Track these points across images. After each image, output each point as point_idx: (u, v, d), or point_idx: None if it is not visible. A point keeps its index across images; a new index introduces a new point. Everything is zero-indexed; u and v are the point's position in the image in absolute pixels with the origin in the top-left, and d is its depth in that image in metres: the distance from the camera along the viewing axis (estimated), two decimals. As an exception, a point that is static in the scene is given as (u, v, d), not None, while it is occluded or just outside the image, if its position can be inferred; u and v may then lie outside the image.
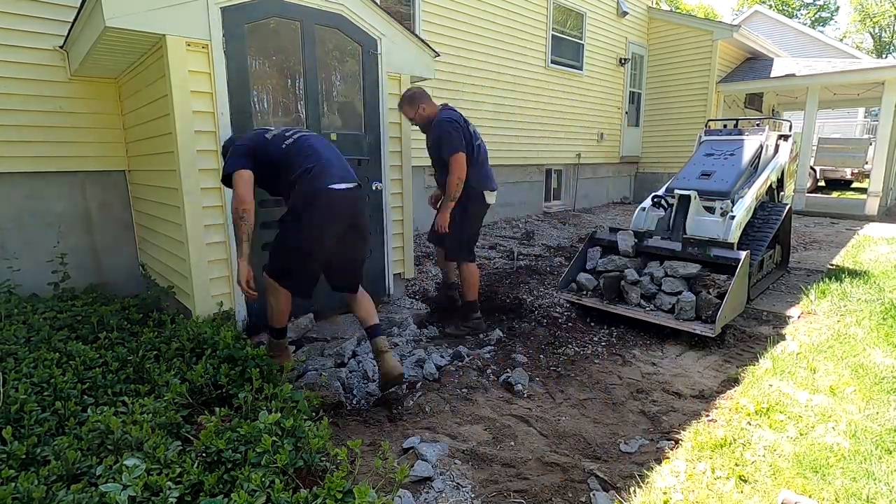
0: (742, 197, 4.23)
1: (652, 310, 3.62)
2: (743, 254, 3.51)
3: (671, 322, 3.46)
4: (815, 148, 12.68)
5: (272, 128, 2.70)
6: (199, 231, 2.97)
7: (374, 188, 3.75)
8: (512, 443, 2.33)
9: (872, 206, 8.77)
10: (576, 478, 2.07)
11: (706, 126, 5.69)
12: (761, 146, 4.67)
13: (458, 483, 2.02)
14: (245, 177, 2.44)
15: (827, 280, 4.54)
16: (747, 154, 4.60)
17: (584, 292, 4.01)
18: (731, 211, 4.07)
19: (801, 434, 2.32)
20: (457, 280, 3.78)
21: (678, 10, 24.32)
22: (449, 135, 3.34)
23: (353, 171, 2.63)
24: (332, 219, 2.49)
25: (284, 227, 2.53)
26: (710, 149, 4.86)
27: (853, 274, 4.72)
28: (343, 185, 2.49)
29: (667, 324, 3.47)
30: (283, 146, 2.54)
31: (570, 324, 3.83)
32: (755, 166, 4.64)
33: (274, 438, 1.71)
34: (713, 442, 2.25)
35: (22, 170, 3.74)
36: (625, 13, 9.70)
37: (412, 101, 3.48)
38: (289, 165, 2.50)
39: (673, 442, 2.32)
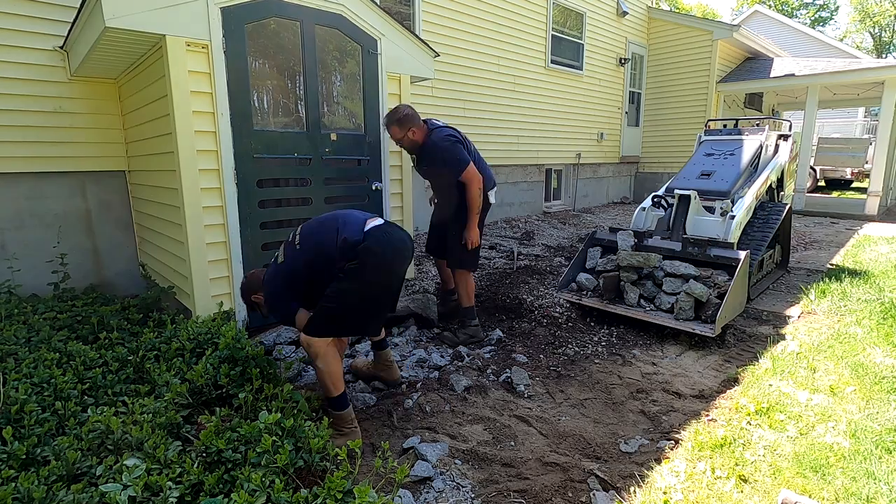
0: (742, 197, 4.23)
1: (652, 310, 3.61)
2: (743, 254, 3.50)
3: (671, 322, 3.46)
4: (815, 148, 12.68)
5: None
6: (199, 231, 2.97)
7: (373, 188, 3.75)
8: (512, 443, 2.33)
9: (872, 205, 8.77)
10: (576, 478, 2.07)
11: (706, 126, 5.69)
12: (761, 146, 4.67)
13: (458, 483, 2.02)
14: None
15: (827, 280, 4.54)
16: (747, 154, 4.60)
17: (584, 292, 4.01)
18: (731, 211, 4.07)
19: (801, 434, 2.32)
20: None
21: (678, 10, 24.34)
22: (454, 150, 3.18)
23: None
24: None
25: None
26: (709, 149, 4.86)
27: (853, 274, 4.72)
28: None
29: (666, 324, 3.47)
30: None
31: (570, 324, 3.83)
32: (755, 166, 4.64)
33: (274, 438, 1.71)
34: (713, 442, 2.25)
35: (22, 170, 3.74)
36: (624, 13, 9.70)
37: (402, 123, 3.16)
38: None
39: (673, 442, 2.32)
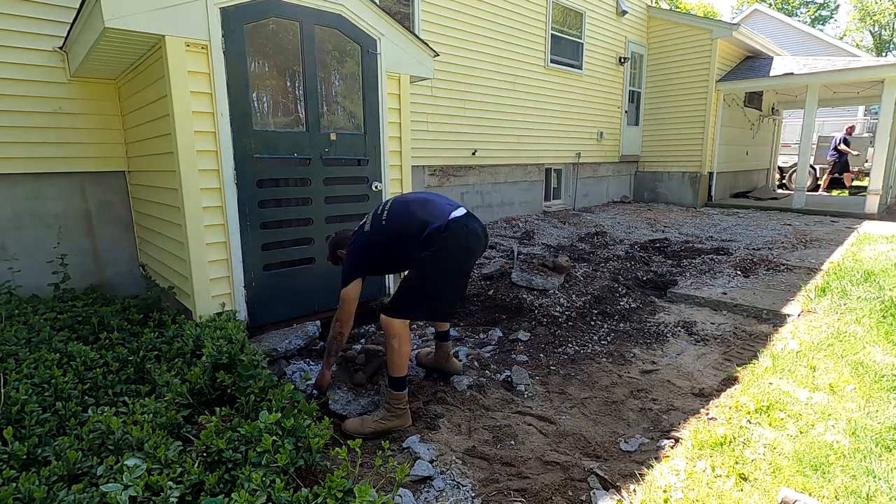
0: None
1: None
2: None
3: None
4: (814, 146, 12.66)
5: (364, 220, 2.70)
6: (199, 231, 2.97)
7: (374, 188, 3.76)
8: (512, 442, 2.33)
9: (872, 204, 8.75)
10: (576, 476, 2.07)
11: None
12: None
13: (458, 482, 2.02)
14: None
15: (827, 278, 4.54)
16: None
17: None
18: None
19: (801, 432, 2.32)
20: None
21: (677, 9, 24.33)
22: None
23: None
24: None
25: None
26: None
27: (853, 272, 4.72)
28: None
29: None
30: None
31: (570, 323, 3.83)
32: None
33: (274, 438, 1.71)
34: (713, 440, 2.25)
35: (22, 171, 3.74)
36: (624, 12, 9.69)
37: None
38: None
39: (673, 440, 2.32)
